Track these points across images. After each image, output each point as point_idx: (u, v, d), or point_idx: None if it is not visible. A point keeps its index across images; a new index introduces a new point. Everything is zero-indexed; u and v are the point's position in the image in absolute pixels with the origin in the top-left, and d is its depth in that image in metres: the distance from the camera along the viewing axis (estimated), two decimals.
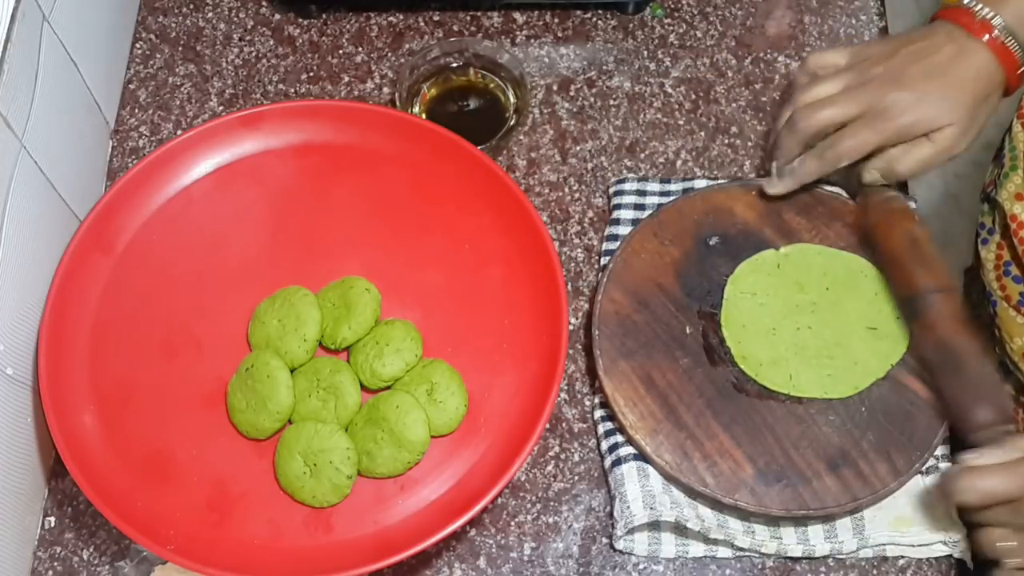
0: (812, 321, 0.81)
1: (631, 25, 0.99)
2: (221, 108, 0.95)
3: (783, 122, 0.81)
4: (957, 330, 0.74)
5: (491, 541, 0.79)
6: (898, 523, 0.77)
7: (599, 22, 0.99)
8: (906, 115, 0.76)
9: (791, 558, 0.78)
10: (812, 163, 0.80)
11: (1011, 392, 0.87)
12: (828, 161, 0.79)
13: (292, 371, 0.76)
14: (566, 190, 0.91)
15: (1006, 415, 0.72)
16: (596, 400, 0.82)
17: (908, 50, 0.77)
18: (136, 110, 0.95)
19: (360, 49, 0.98)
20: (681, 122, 0.95)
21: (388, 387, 0.76)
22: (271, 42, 0.98)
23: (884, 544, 0.77)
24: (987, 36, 0.75)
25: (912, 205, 0.84)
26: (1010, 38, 0.75)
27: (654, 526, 0.78)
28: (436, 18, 0.99)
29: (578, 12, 0.99)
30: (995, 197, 0.81)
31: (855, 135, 0.77)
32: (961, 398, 0.73)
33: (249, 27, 0.99)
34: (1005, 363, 0.85)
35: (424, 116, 0.90)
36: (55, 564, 0.78)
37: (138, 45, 0.98)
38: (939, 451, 0.79)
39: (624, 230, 0.87)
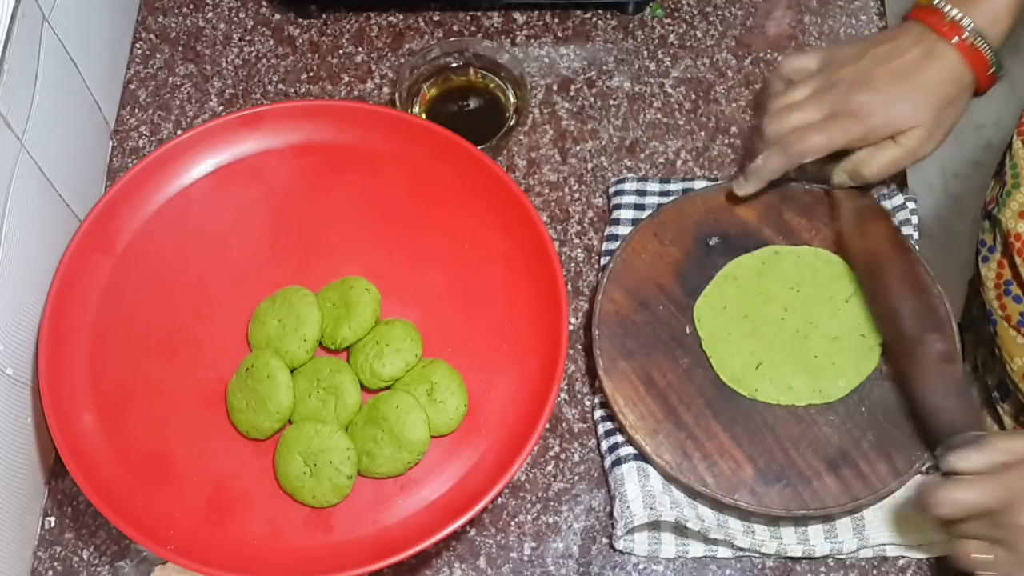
0: (788, 323, 0.81)
1: (631, 25, 0.99)
2: (221, 108, 0.95)
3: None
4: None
5: (491, 541, 0.79)
6: (898, 523, 0.77)
7: (599, 22, 0.99)
8: (873, 117, 0.75)
9: (791, 558, 0.78)
10: (776, 158, 0.79)
11: (1010, 412, 0.87)
12: (792, 156, 0.78)
13: (292, 371, 0.76)
14: (566, 190, 0.91)
15: (979, 422, 0.72)
16: (596, 400, 0.82)
17: (876, 52, 0.77)
18: (136, 110, 0.95)
19: (360, 49, 0.98)
20: (681, 122, 0.95)
21: (388, 387, 0.76)
22: (271, 42, 0.98)
23: (884, 544, 0.77)
24: (956, 38, 0.74)
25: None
26: (980, 39, 0.74)
27: (654, 526, 0.78)
28: (436, 18, 0.99)
29: (578, 12, 0.99)
30: (996, 215, 0.80)
31: (822, 131, 0.76)
32: (932, 403, 0.73)
33: (249, 27, 0.99)
34: (1005, 383, 0.85)
35: (424, 116, 0.90)
36: (55, 564, 0.78)
37: (138, 45, 0.98)
38: (939, 451, 0.79)
39: (624, 230, 0.87)
